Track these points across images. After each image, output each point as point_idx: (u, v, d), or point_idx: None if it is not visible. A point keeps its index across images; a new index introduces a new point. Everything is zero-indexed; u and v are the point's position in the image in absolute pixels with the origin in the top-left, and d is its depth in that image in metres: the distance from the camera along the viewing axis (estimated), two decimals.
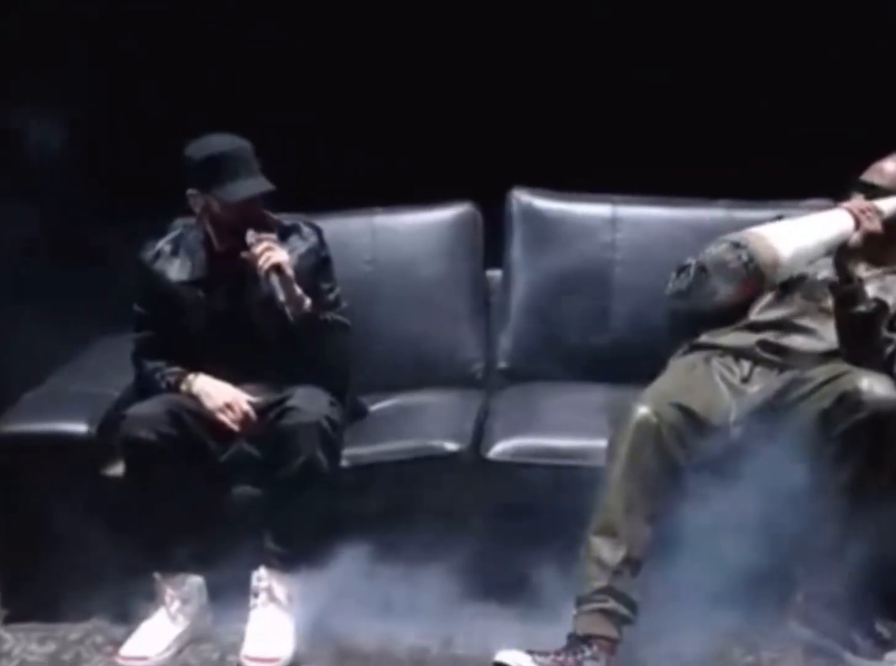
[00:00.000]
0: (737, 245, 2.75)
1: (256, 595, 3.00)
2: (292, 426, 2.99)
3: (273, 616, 2.98)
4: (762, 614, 2.97)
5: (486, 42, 3.88)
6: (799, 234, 2.81)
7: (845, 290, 2.93)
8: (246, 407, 3.11)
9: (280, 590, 2.99)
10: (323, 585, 2.97)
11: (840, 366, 2.93)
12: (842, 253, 2.91)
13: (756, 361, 3.08)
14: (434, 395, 3.48)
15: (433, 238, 3.69)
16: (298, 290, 3.09)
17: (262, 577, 3.00)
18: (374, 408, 3.45)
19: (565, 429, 3.22)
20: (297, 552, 3.00)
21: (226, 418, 3.10)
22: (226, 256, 3.17)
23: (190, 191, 3.14)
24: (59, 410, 3.24)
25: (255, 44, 3.86)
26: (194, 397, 3.13)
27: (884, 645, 2.90)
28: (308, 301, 3.11)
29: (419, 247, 3.68)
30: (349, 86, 3.90)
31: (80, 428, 3.16)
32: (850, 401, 2.79)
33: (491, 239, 3.71)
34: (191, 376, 3.15)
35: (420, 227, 3.72)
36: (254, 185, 3.10)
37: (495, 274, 3.74)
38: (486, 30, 3.88)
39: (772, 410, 2.96)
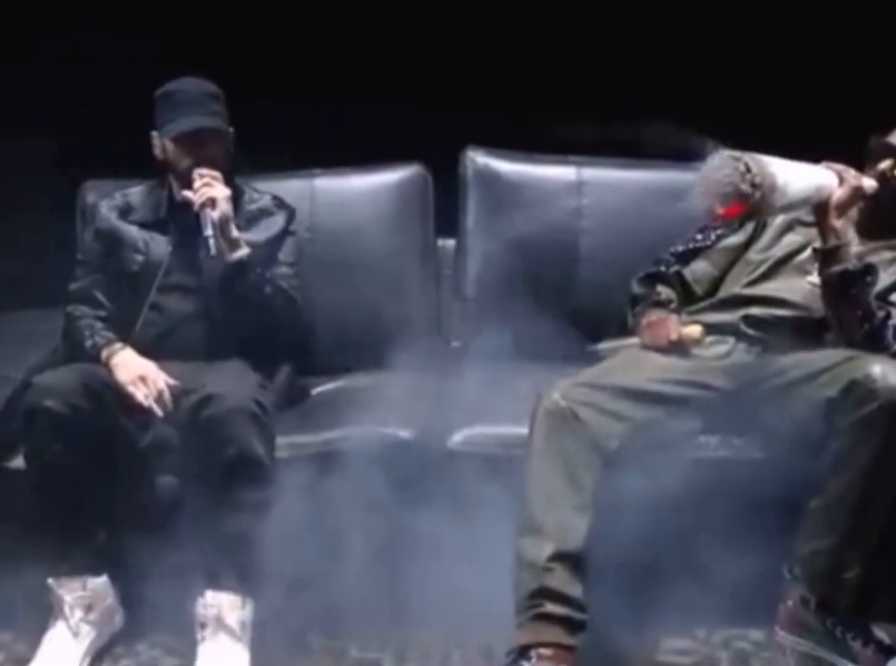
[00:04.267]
0: (736, 158, 2.55)
1: (203, 625, 2.62)
2: (220, 415, 2.64)
3: (226, 649, 2.61)
4: (751, 620, 2.71)
5: None
6: (789, 170, 2.64)
7: (827, 247, 2.71)
8: (162, 385, 2.82)
9: (232, 615, 2.62)
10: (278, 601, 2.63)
11: (843, 351, 2.66)
12: (824, 210, 2.70)
13: (738, 336, 2.84)
14: (381, 376, 3.15)
15: (379, 203, 3.37)
16: (235, 233, 2.89)
17: (208, 603, 2.62)
18: (315, 391, 3.15)
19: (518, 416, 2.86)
20: (246, 564, 2.63)
21: (137, 392, 2.78)
22: (183, 206, 2.94)
23: (152, 133, 3.01)
24: None
25: None
26: (109, 369, 2.83)
27: (886, 652, 2.63)
28: (245, 250, 2.90)
29: (363, 213, 3.35)
30: (288, 31, 3.64)
31: None
32: (860, 389, 2.52)
33: (442, 205, 3.39)
34: (117, 346, 2.88)
35: (364, 191, 3.39)
36: (197, 121, 2.92)
37: (447, 243, 3.43)
38: None
39: (749, 394, 2.72)
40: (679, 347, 2.79)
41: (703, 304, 2.95)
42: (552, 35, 3.54)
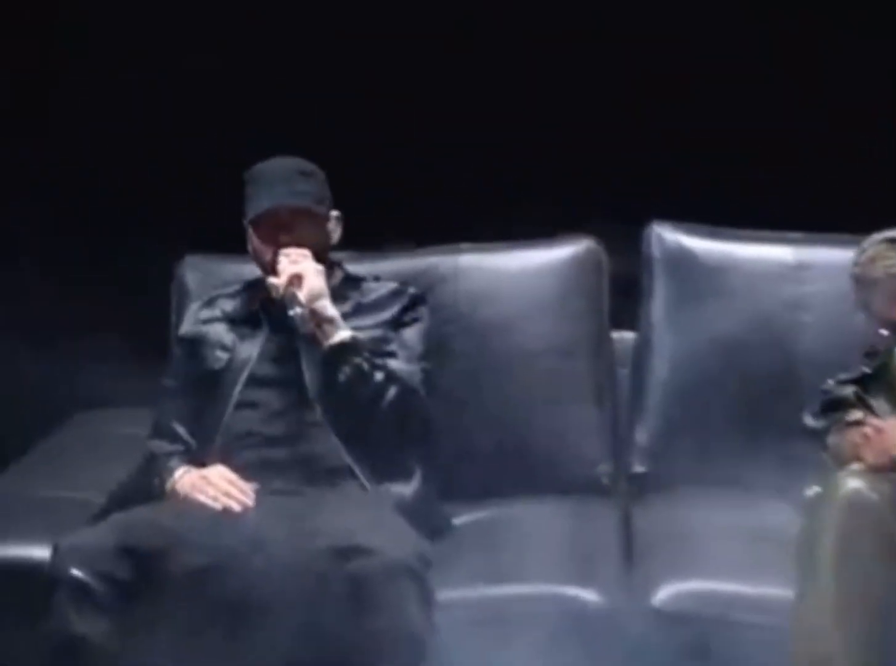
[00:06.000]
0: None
1: None
2: (372, 574, 2.08)
3: None
4: None
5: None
6: None
7: None
8: (230, 476, 2.36)
9: None
10: None
11: None
12: None
13: None
14: (542, 507, 2.52)
15: (540, 287, 2.72)
16: (332, 311, 2.46)
17: None
18: (459, 521, 2.51)
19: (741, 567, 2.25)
20: None
21: (200, 496, 2.34)
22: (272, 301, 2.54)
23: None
24: (15, 524, 2.34)
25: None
26: (173, 500, 2.38)
27: None
28: (347, 332, 2.44)
29: (519, 299, 2.72)
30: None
31: (38, 553, 2.22)
32: None
33: (618, 290, 2.76)
34: (180, 472, 2.41)
35: (521, 272, 2.75)
36: (275, 200, 2.51)
37: (625, 337, 2.78)
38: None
39: None
40: None
41: None
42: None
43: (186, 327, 2.62)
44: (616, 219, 2.84)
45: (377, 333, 2.52)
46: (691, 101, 3.19)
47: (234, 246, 2.64)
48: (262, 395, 2.47)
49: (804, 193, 3.05)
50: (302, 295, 2.42)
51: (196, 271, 2.81)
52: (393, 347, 2.52)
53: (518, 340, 2.67)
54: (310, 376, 2.45)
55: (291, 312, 2.42)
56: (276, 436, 2.42)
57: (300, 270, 2.45)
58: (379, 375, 2.42)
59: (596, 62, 3.23)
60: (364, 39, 3.27)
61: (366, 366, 2.42)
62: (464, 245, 2.79)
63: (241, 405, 2.47)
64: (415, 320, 2.58)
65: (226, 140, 3.22)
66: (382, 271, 2.68)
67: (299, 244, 2.50)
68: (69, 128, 3.30)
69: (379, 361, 2.46)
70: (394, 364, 2.48)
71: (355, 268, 2.66)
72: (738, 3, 3.18)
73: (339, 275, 2.61)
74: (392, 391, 2.43)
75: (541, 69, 3.26)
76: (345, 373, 2.41)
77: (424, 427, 2.50)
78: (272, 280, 2.48)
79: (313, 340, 2.44)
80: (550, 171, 3.10)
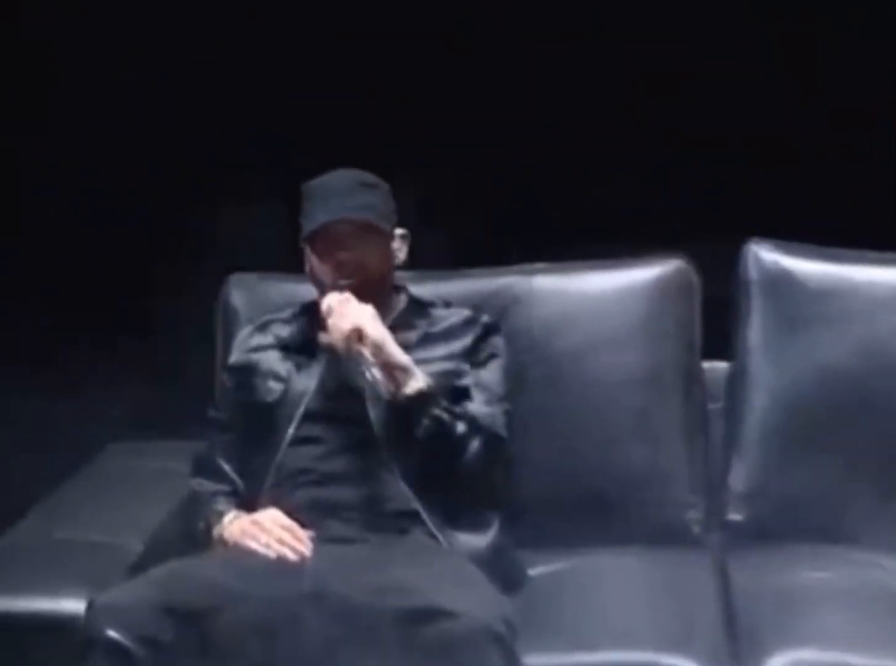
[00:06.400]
0: None
1: None
2: (455, 639, 1.82)
3: None
4: None
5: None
6: None
7: None
8: (285, 521, 2.09)
9: None
10: None
11: None
12: None
13: None
14: (627, 558, 2.26)
15: (623, 311, 2.44)
16: (402, 358, 2.16)
17: None
18: (535, 571, 2.25)
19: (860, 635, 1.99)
20: None
21: (251, 542, 2.07)
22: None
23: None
24: (46, 574, 2.10)
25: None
26: (221, 547, 2.13)
27: None
28: (422, 381, 2.15)
29: (603, 324, 2.44)
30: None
31: (72, 606, 1.99)
32: None
33: (712, 315, 2.48)
34: (229, 516, 2.15)
35: (604, 295, 2.47)
36: (331, 214, 2.25)
37: (716, 367, 2.49)
38: None
39: None
40: None
41: None
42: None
43: (236, 356, 2.37)
44: (709, 236, 2.64)
45: (448, 365, 2.26)
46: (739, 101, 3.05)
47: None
48: (319, 430, 2.21)
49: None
50: (367, 351, 2.14)
51: (243, 291, 2.55)
52: (466, 381, 2.25)
53: (598, 370, 2.41)
54: (375, 413, 2.19)
55: (365, 375, 2.15)
56: (335, 473, 2.17)
57: (355, 323, 2.15)
58: (461, 427, 2.16)
59: (596, 62, 3.12)
60: (364, 39, 3.16)
61: (446, 416, 2.15)
62: (539, 265, 2.52)
63: (296, 442, 2.21)
64: (492, 356, 2.31)
65: (226, 140, 3.14)
66: (448, 293, 2.42)
67: (360, 264, 2.24)
68: (69, 128, 3.21)
69: (459, 410, 2.19)
70: (474, 408, 2.21)
71: (420, 290, 2.40)
72: (737, 2, 3.04)
73: (403, 300, 2.36)
74: (476, 442, 2.17)
75: (541, 69, 3.15)
76: (423, 426, 2.14)
77: (507, 473, 2.25)
78: (325, 338, 2.21)
79: (390, 395, 2.16)
80: (638, 184, 2.86)
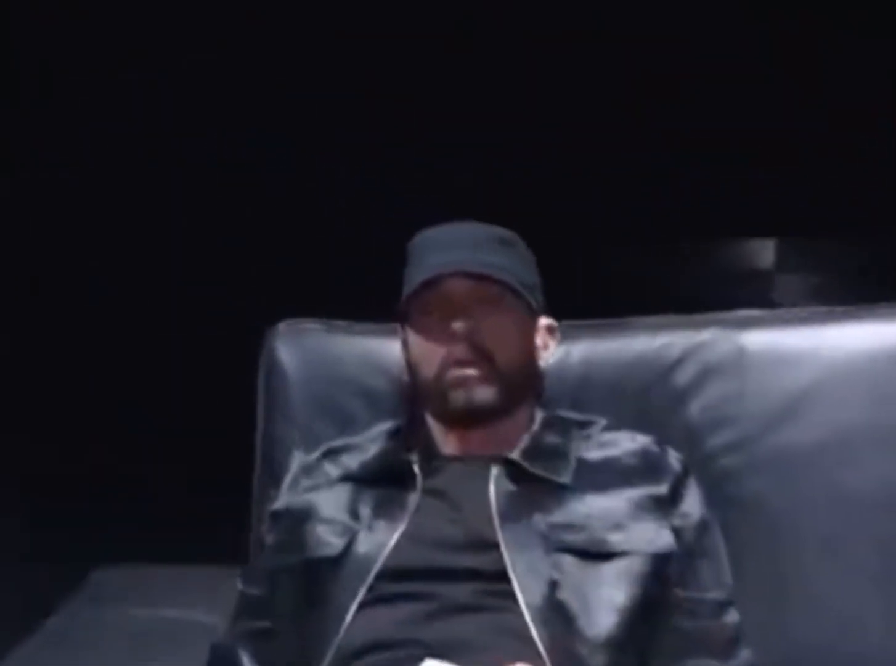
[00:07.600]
0: None
1: None
2: None
3: None
4: None
5: None
6: None
7: None
8: None
9: None
10: None
11: None
12: None
13: None
14: None
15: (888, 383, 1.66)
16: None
17: None
18: None
19: None
20: None
21: None
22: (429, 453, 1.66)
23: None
24: None
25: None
26: None
27: None
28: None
29: (854, 404, 1.67)
30: None
31: None
32: None
33: None
34: None
35: (853, 360, 1.69)
36: (454, 263, 1.60)
37: None
38: None
39: None
40: None
41: None
42: None
43: (286, 497, 1.70)
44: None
45: (617, 513, 1.55)
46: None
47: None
48: (410, 588, 1.53)
49: None
50: None
51: (293, 347, 1.83)
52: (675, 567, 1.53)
53: (848, 477, 1.62)
54: (520, 568, 1.49)
55: None
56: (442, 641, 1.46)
57: None
58: None
59: (596, 62, 3.09)
60: (364, 39, 3.12)
61: None
62: (745, 312, 1.72)
63: (366, 607, 1.53)
64: (705, 525, 1.57)
65: (226, 140, 3.09)
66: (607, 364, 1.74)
67: (480, 346, 1.57)
68: (69, 128, 3.17)
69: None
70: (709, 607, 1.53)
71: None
72: (737, 2, 3.03)
73: (538, 417, 1.69)
74: None
75: (541, 69, 3.11)
76: None
77: None
78: None
79: None
80: (639, 184, 2.85)
